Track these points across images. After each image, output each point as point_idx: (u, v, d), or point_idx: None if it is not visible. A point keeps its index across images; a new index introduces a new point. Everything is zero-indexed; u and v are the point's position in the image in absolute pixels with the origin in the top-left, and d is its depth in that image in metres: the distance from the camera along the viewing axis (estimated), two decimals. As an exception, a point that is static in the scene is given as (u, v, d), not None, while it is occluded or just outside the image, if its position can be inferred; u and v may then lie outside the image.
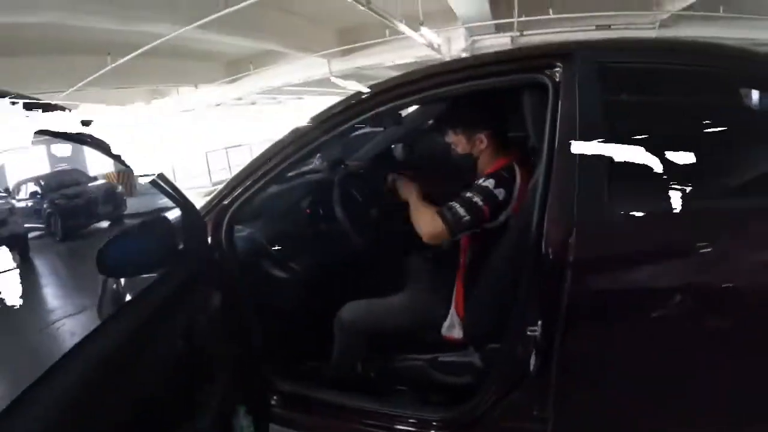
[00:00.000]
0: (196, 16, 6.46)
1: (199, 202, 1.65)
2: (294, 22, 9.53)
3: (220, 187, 1.81)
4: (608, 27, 10.10)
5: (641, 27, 9.48)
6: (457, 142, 1.78)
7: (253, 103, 17.18)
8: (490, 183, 1.62)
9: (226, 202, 1.67)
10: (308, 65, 12.23)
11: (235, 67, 12.38)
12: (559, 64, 1.38)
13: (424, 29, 8.82)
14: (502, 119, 1.81)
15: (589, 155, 1.26)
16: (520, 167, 1.67)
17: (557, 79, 1.37)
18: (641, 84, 1.45)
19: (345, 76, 15.15)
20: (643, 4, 9.02)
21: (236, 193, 1.66)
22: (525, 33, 9.99)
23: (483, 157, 1.76)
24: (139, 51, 7.79)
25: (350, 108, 1.64)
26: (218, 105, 15.33)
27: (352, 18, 9.67)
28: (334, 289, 2.06)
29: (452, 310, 1.76)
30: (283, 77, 13.04)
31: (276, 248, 2.10)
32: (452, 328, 1.75)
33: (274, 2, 5.98)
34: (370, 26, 9.94)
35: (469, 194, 1.62)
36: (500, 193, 1.61)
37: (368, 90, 1.66)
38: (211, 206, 1.69)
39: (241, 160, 14.02)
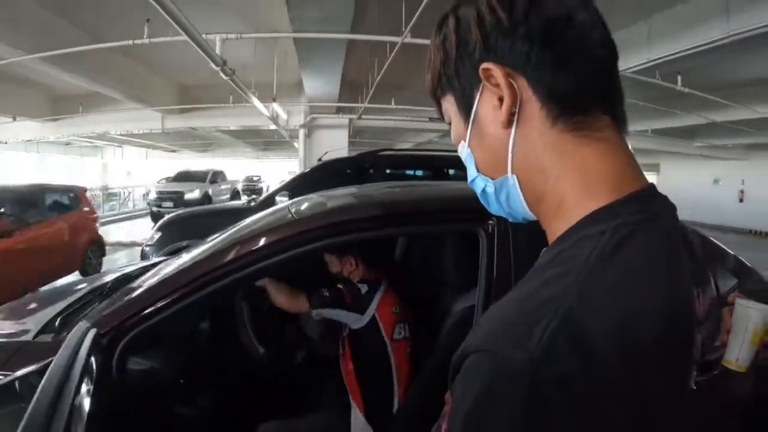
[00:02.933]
0: (41, 45, 6.27)
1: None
2: (137, 70, 9.41)
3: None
4: (441, 119, 11.81)
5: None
6: (330, 261, 1.90)
7: (67, 144, 16.00)
8: (354, 280, 1.80)
9: (128, 323, 1.33)
10: (142, 116, 11.97)
11: (61, 104, 11.57)
12: (492, 220, 1.38)
13: (275, 104, 9.29)
14: (372, 244, 1.92)
15: None
16: (389, 283, 1.82)
17: (490, 231, 1.40)
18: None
19: (177, 133, 14.97)
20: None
21: (144, 314, 1.34)
22: (363, 117, 11.33)
23: (354, 277, 1.84)
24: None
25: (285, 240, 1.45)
26: (28, 141, 13.80)
27: (195, 75, 9.83)
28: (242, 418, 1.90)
29: (355, 413, 1.75)
30: (112, 125, 12.53)
31: (179, 382, 1.78)
32: None
33: (120, 47, 5.94)
34: (211, 86, 10.04)
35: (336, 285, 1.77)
36: (363, 287, 1.74)
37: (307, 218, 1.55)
38: (108, 325, 1.32)
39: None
